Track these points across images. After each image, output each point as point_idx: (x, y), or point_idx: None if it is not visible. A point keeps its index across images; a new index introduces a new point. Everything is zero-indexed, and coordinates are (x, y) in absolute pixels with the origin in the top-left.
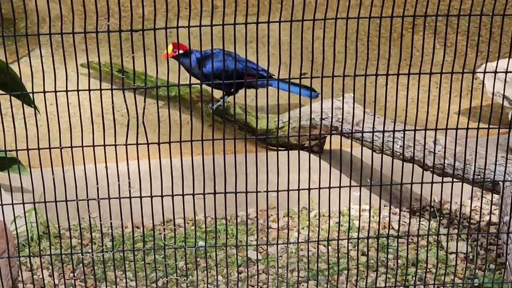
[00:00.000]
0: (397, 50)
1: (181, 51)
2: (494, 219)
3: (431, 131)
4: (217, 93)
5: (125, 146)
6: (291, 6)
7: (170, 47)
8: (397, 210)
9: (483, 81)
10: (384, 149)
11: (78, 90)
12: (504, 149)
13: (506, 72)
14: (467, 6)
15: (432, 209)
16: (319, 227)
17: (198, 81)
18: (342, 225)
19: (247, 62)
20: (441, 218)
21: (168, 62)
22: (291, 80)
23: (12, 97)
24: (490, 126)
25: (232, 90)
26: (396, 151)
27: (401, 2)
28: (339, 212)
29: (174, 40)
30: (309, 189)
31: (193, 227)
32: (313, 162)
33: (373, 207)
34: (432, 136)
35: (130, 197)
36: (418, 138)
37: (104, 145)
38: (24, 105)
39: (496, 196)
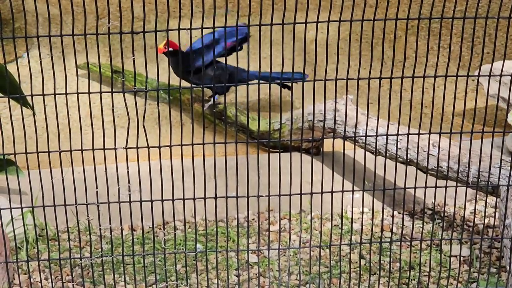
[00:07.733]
0: (402, 53)
1: (170, 49)
2: (493, 222)
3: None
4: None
5: (125, 149)
6: (295, 8)
7: (163, 43)
8: (396, 213)
9: (489, 83)
10: (385, 152)
11: (78, 93)
12: (505, 151)
13: None
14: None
15: (431, 212)
16: (321, 232)
17: (199, 83)
18: (342, 228)
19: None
20: (442, 221)
21: (170, 65)
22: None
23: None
24: (495, 130)
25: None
26: (399, 155)
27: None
28: (342, 217)
29: (176, 40)
30: (311, 193)
31: (191, 229)
32: (310, 165)
33: (372, 210)
34: (434, 140)
35: (130, 202)
36: (420, 141)
37: (104, 149)
38: (22, 106)
39: (495, 199)
